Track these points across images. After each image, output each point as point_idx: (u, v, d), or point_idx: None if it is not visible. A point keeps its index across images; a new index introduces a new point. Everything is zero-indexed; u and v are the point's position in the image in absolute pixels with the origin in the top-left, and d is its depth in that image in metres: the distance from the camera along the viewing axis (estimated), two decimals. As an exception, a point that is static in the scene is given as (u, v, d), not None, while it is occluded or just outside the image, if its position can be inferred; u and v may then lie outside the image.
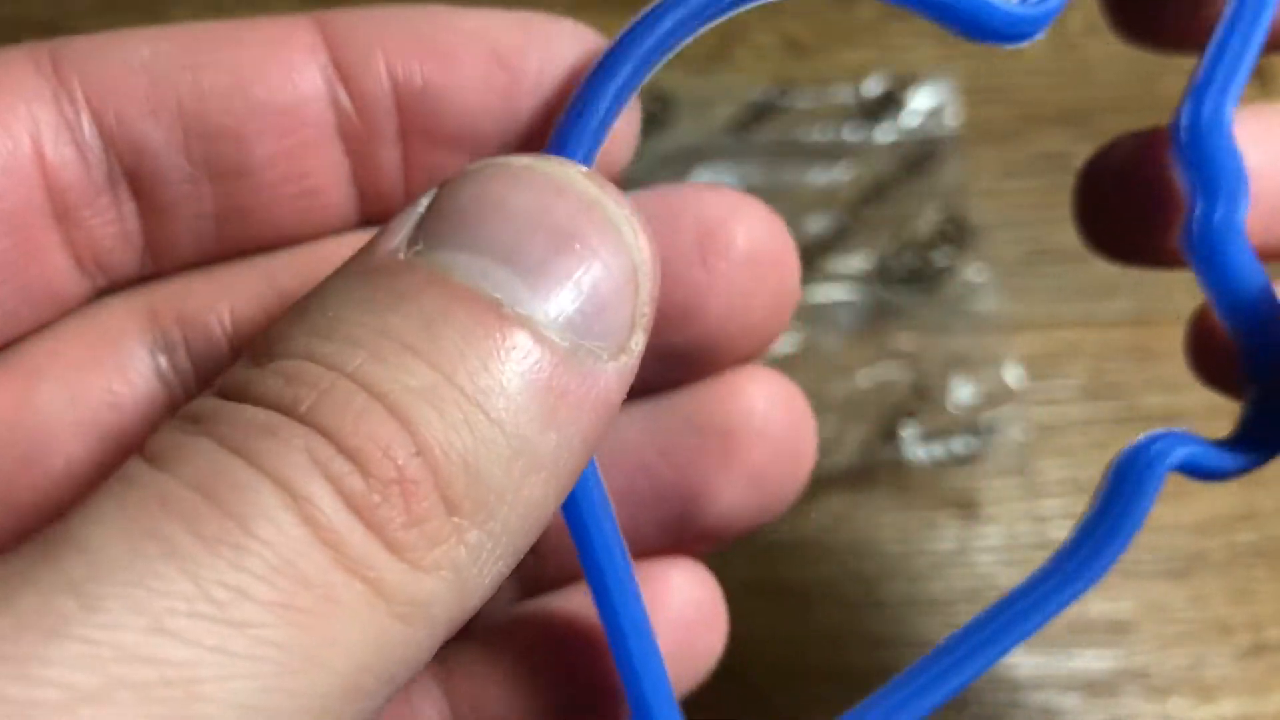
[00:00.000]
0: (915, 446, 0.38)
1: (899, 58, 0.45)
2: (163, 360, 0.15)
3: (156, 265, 0.15)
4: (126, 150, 0.14)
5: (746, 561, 0.37)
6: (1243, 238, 0.15)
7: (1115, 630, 0.36)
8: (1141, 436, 0.15)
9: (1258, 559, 0.37)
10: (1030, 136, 0.43)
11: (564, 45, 0.16)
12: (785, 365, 0.40)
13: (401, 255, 0.12)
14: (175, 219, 0.14)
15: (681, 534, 0.15)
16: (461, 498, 0.11)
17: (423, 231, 0.12)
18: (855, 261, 0.41)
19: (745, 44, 0.45)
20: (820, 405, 0.39)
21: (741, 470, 0.15)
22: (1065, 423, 0.39)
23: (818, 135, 0.43)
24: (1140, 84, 0.44)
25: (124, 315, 0.15)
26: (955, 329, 0.40)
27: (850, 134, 0.43)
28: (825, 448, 0.38)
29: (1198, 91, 0.15)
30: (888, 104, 0.43)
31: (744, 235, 0.15)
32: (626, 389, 0.12)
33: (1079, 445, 0.39)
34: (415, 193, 0.14)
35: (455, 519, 0.11)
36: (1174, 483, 0.38)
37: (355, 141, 0.14)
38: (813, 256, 0.41)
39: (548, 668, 0.16)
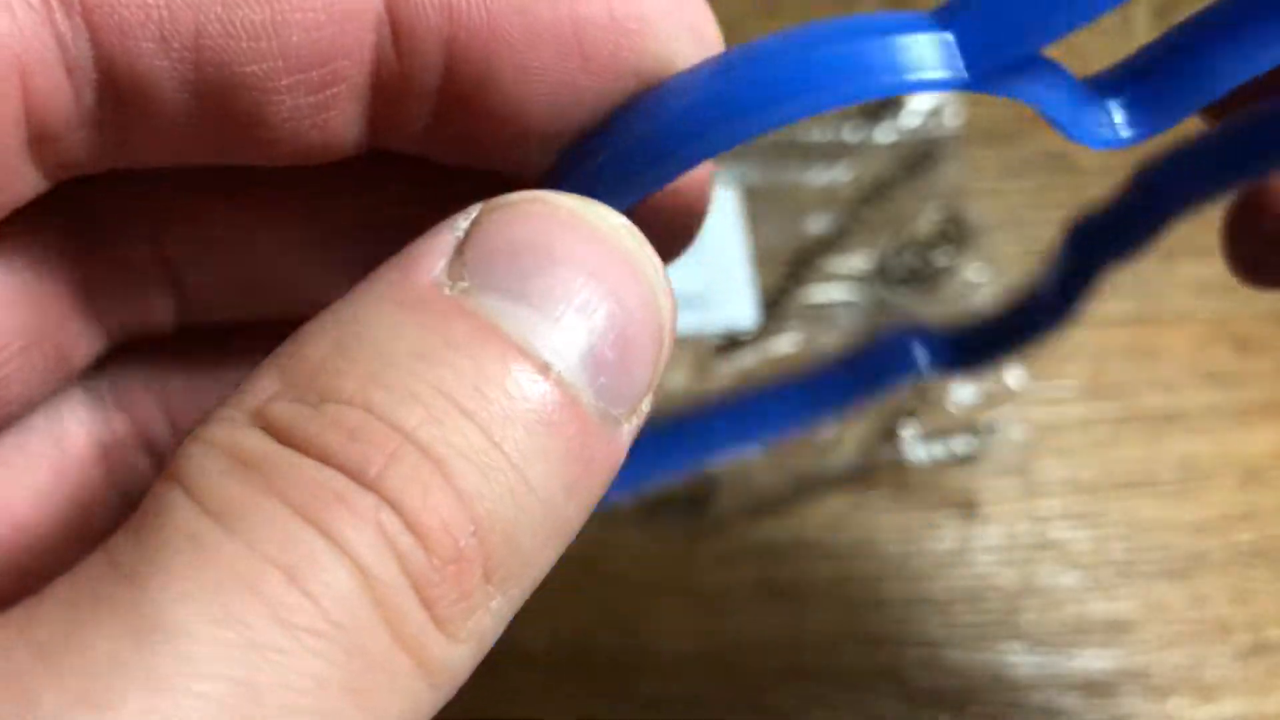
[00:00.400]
0: (915, 446, 0.38)
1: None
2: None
3: (126, 167, 0.14)
4: (125, 82, 0.12)
5: (747, 561, 0.37)
6: None
7: (1115, 630, 0.36)
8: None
9: (1257, 559, 0.37)
10: (1029, 136, 0.43)
11: (671, 45, 0.14)
12: (785, 367, 0.40)
13: (447, 291, 0.11)
14: (161, 140, 0.13)
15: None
16: (498, 569, 0.11)
17: (467, 266, 0.11)
18: (855, 261, 0.41)
19: (745, 43, 0.45)
20: (820, 405, 0.40)
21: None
22: (1064, 422, 0.39)
23: (818, 135, 0.43)
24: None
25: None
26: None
27: (850, 134, 0.43)
28: (825, 448, 0.38)
29: None
30: (887, 104, 0.44)
31: None
32: (628, 447, 0.12)
33: (1078, 445, 0.39)
34: (439, 148, 0.14)
35: (488, 588, 0.11)
36: (1176, 483, 0.38)
37: (387, 93, 0.13)
38: (813, 256, 0.41)
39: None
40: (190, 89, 0.12)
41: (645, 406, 0.12)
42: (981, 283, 0.41)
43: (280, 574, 0.10)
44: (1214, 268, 0.41)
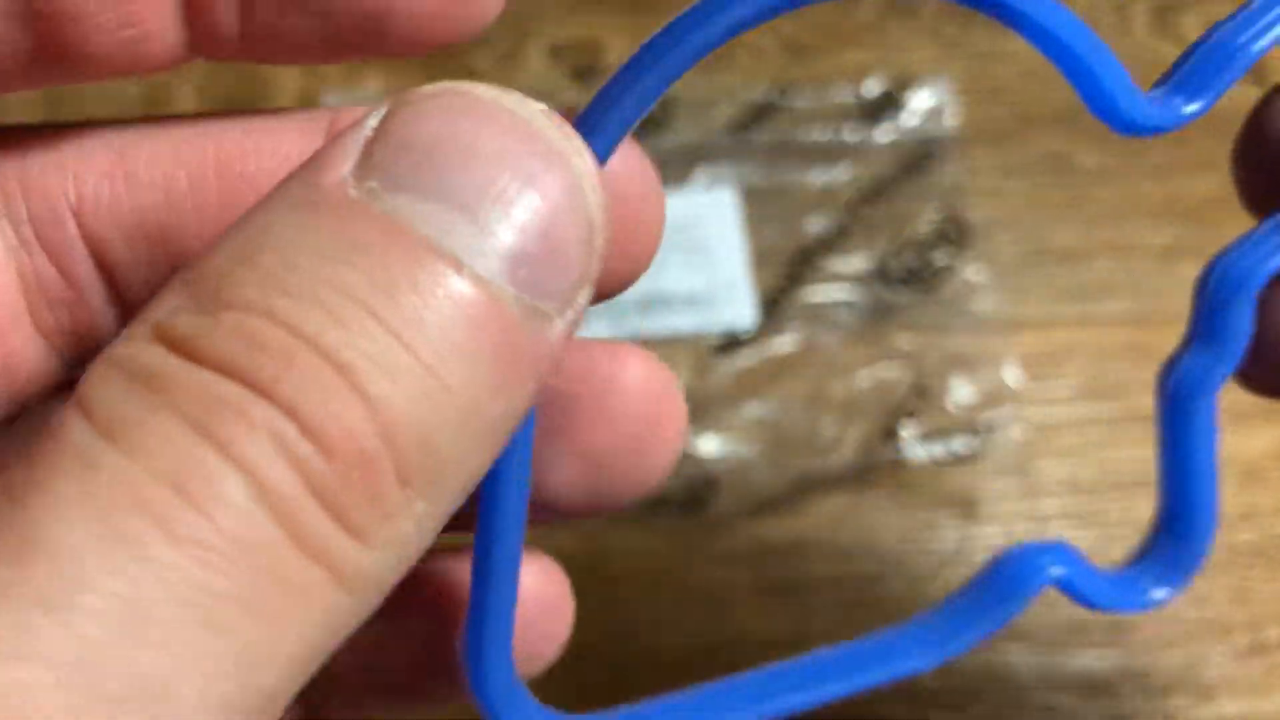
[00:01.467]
0: (914, 446, 0.39)
1: (898, 59, 0.45)
2: (7, 229, 0.14)
3: None
4: None
5: (747, 560, 0.37)
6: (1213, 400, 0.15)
7: (1115, 630, 0.36)
8: (1030, 545, 0.16)
9: (1257, 559, 0.37)
10: (1028, 136, 0.43)
11: None
12: (785, 365, 0.40)
13: (352, 191, 0.11)
14: None
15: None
16: (415, 472, 0.10)
17: (375, 164, 0.11)
18: (855, 261, 0.41)
19: (745, 45, 0.45)
20: (820, 405, 0.40)
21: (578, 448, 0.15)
22: (1063, 422, 0.39)
23: (817, 136, 0.43)
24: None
25: None
26: (954, 329, 0.40)
27: (850, 134, 0.43)
28: (825, 447, 0.39)
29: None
30: (887, 105, 0.44)
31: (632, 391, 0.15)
32: (570, 344, 0.12)
33: (1077, 445, 0.39)
34: (252, 39, 0.14)
35: (406, 493, 0.11)
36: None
37: None
38: (812, 256, 0.41)
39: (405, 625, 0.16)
40: None
41: (581, 299, 0.12)
42: (980, 283, 0.41)
43: (170, 489, 0.10)
44: (1213, 267, 0.41)
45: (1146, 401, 0.39)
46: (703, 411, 0.39)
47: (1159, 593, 0.16)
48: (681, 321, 0.40)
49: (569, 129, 0.12)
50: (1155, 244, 0.42)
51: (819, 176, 0.43)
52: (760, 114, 0.43)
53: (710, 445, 0.39)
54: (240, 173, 0.14)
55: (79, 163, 0.14)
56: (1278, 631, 0.36)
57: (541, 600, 0.15)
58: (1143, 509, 0.39)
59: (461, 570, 0.15)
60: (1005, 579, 0.15)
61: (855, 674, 0.15)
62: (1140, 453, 0.38)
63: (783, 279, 0.41)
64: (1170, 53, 0.48)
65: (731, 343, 0.40)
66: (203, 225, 0.14)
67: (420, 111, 0.11)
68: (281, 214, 0.11)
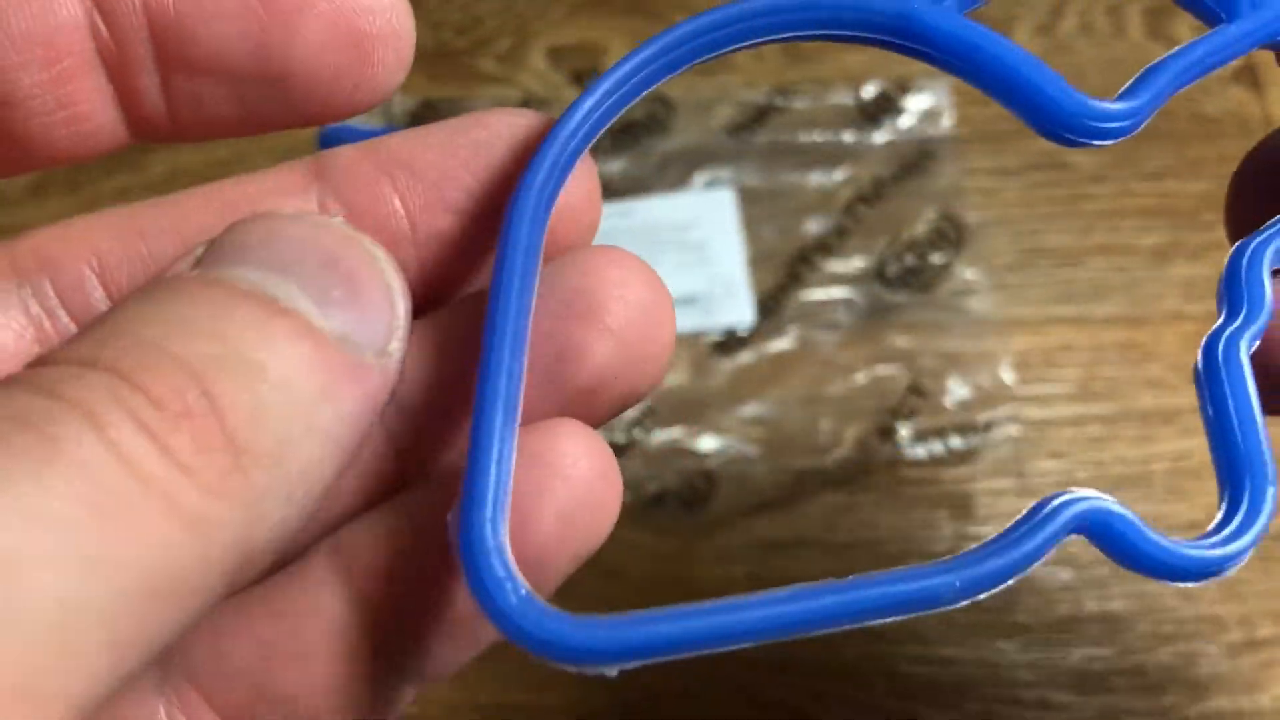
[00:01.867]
0: (911, 445, 0.39)
1: (895, 62, 0.45)
2: (31, 301, 0.16)
3: None
4: None
5: (744, 558, 0.37)
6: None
7: (1109, 627, 0.36)
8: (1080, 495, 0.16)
9: (1249, 557, 0.37)
10: (1024, 138, 0.43)
11: None
12: (783, 363, 0.40)
13: (187, 275, 0.13)
14: None
15: (562, 397, 0.16)
16: (247, 440, 0.12)
17: (208, 259, 0.14)
18: (853, 262, 0.41)
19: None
20: (818, 404, 0.40)
21: (606, 327, 0.16)
22: (1058, 422, 0.39)
23: (816, 137, 0.43)
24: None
25: None
26: (951, 329, 0.40)
27: (848, 136, 0.43)
28: (823, 446, 0.39)
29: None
30: (885, 107, 0.44)
31: (621, 305, 0.16)
32: (390, 387, 0.14)
33: (1072, 444, 0.39)
34: (179, 118, 0.16)
35: (243, 459, 0.12)
36: (1168, 482, 0.38)
37: (116, 68, 0.15)
38: (811, 257, 0.42)
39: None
40: None
41: (394, 349, 0.14)
42: (977, 283, 0.41)
43: (14, 424, 0.11)
44: (1206, 268, 0.41)
45: (1141, 401, 0.40)
46: (701, 410, 0.39)
47: (1218, 554, 0.16)
48: (681, 321, 0.40)
49: (359, 230, 0.14)
50: (1148, 245, 0.42)
51: (817, 178, 0.43)
52: (759, 116, 0.44)
53: (709, 444, 0.39)
54: (243, 212, 0.16)
55: (96, 234, 0.16)
56: (1270, 628, 0.36)
57: (589, 473, 0.16)
58: (1139, 508, 0.39)
59: None
60: (1042, 514, 0.15)
61: (875, 590, 0.15)
62: (1135, 452, 0.39)
63: (781, 279, 0.41)
64: (1164, 55, 0.48)
65: (730, 342, 0.40)
66: None
67: (244, 224, 0.14)
68: (129, 300, 0.13)
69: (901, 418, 0.39)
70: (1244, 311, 0.17)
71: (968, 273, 0.41)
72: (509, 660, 0.36)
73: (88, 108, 0.15)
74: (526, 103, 0.45)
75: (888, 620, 0.15)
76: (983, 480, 0.38)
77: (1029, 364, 0.40)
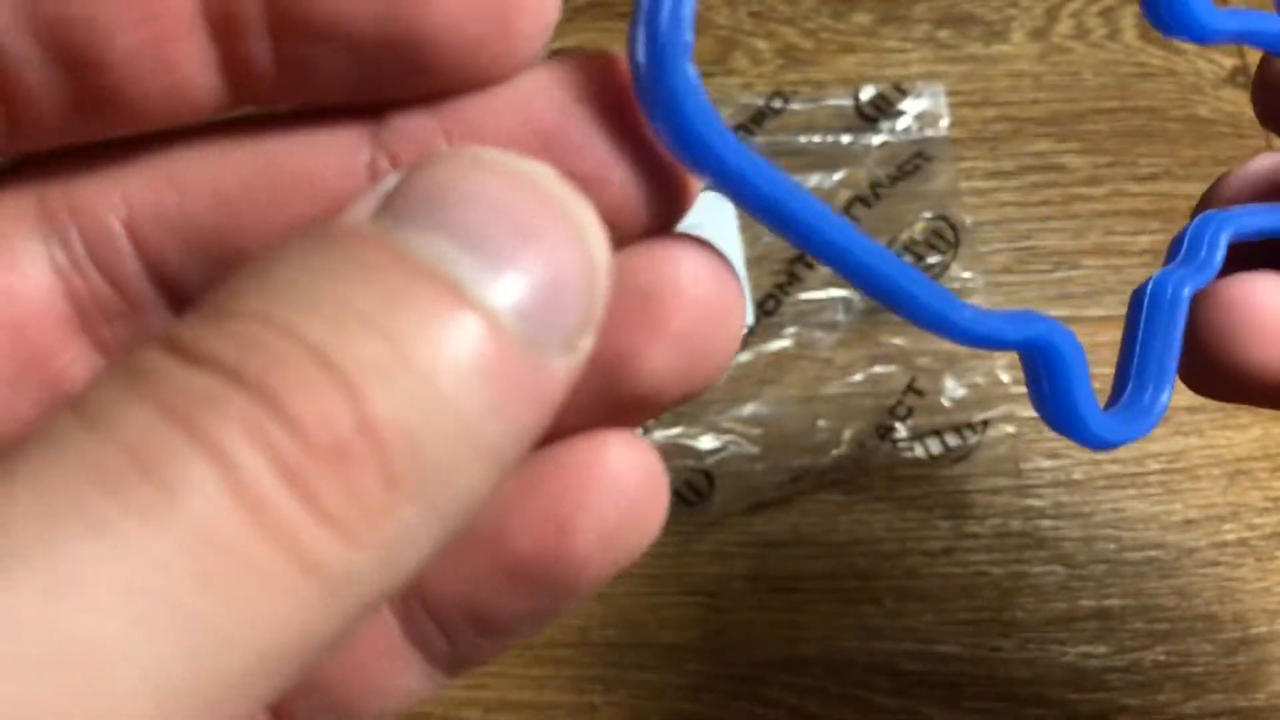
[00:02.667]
0: (909, 444, 0.39)
1: (892, 64, 0.45)
2: (58, 252, 0.14)
3: (17, 152, 0.14)
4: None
5: (744, 556, 0.37)
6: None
7: (1105, 625, 0.37)
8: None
9: (1244, 555, 0.37)
10: (1019, 140, 0.44)
11: None
12: (782, 363, 0.40)
13: (366, 229, 0.11)
14: (32, 108, 0.13)
15: (614, 402, 0.15)
16: (402, 473, 0.10)
17: (389, 208, 0.11)
18: (849, 263, 0.42)
19: (743, 50, 0.46)
20: (816, 403, 0.40)
21: (668, 333, 0.14)
22: (1055, 421, 0.39)
23: (814, 140, 0.43)
24: (1123, 87, 0.44)
25: (10, 206, 0.14)
26: (947, 329, 0.40)
27: (846, 139, 0.43)
28: (821, 445, 0.39)
29: None
30: (882, 109, 0.44)
31: (689, 307, 0.15)
32: (571, 387, 0.12)
33: (1067, 443, 0.39)
34: (290, 84, 0.14)
35: (392, 495, 0.10)
36: (1163, 481, 0.38)
37: (221, 31, 0.13)
38: (810, 258, 0.42)
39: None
40: (36, 42, 0.12)
41: (584, 345, 0.12)
42: (973, 282, 0.41)
43: (130, 464, 0.10)
44: (1201, 269, 0.41)
45: (1135, 401, 0.40)
46: (700, 410, 0.39)
47: (1118, 435, 0.18)
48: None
49: (574, 186, 0.12)
50: (1143, 246, 0.42)
51: (815, 180, 0.43)
52: (758, 118, 0.44)
53: (708, 443, 0.39)
54: (287, 169, 0.14)
55: (126, 178, 0.14)
56: (1265, 626, 0.36)
57: (635, 488, 0.15)
58: (1132, 506, 0.40)
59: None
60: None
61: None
62: (1129, 451, 0.39)
63: (779, 279, 0.41)
64: (1159, 59, 0.49)
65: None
66: (257, 226, 0.14)
67: (433, 166, 0.12)
68: (297, 245, 0.11)
69: (899, 417, 0.39)
70: (1196, 265, 0.18)
71: (964, 273, 0.41)
72: (510, 657, 0.36)
73: (188, 73, 0.13)
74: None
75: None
76: (980, 479, 0.38)
77: (1025, 364, 0.40)
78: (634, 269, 0.14)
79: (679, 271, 0.14)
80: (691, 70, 0.13)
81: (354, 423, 0.10)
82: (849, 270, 0.15)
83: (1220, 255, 0.18)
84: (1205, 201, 0.21)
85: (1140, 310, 0.19)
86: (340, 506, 0.10)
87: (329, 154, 0.14)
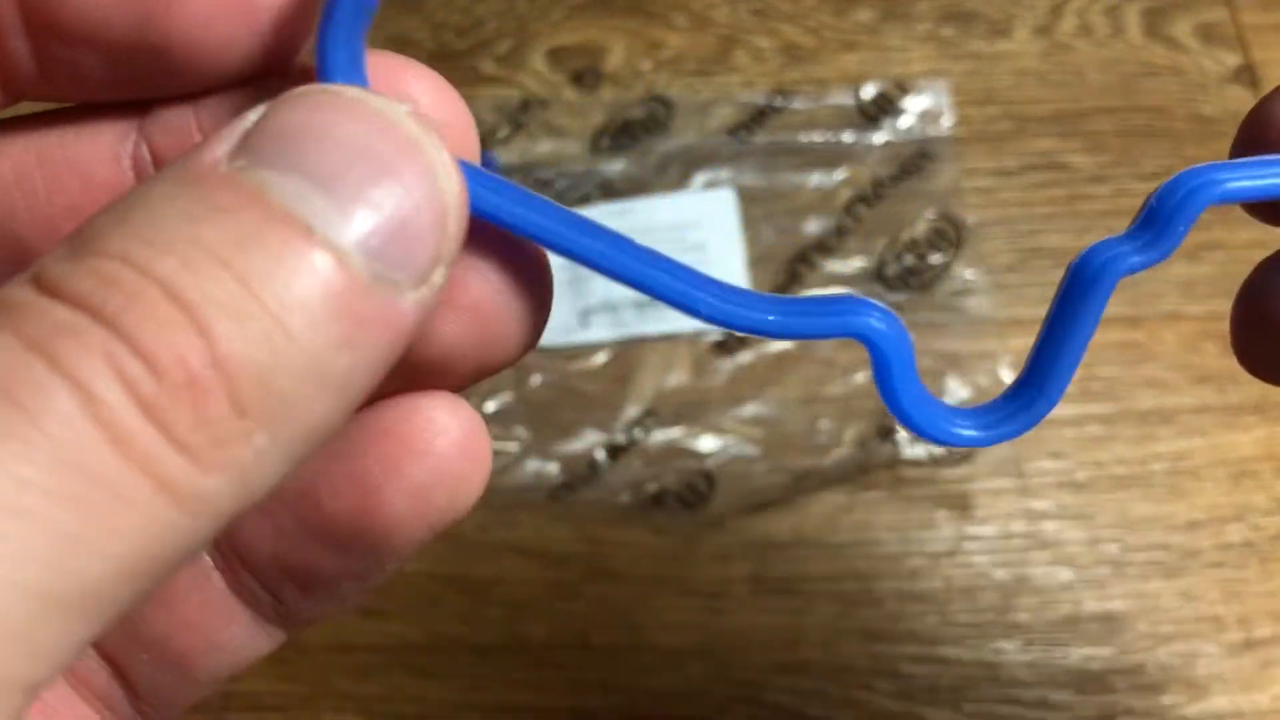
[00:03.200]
0: (910, 445, 0.39)
1: (894, 62, 0.45)
2: None
3: None
4: None
5: (744, 558, 0.37)
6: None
7: (1108, 627, 0.36)
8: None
9: (1249, 556, 0.37)
10: (1022, 138, 0.44)
11: None
12: (783, 363, 0.40)
13: (223, 168, 0.12)
14: None
15: (415, 372, 0.15)
16: (251, 405, 0.11)
17: (247, 146, 0.12)
18: (852, 262, 0.42)
19: (745, 48, 0.46)
20: (817, 404, 0.40)
21: (408, 484, 0.15)
22: (1058, 421, 0.39)
23: (815, 138, 0.43)
24: (1127, 86, 0.44)
25: None
26: (950, 329, 0.41)
27: (847, 137, 0.43)
28: (822, 446, 0.39)
29: None
30: (884, 108, 0.44)
31: (428, 462, 0.15)
32: (425, 321, 0.13)
33: (1071, 444, 0.39)
34: (54, 81, 0.15)
35: (243, 423, 0.11)
36: (1167, 482, 0.38)
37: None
38: (811, 257, 0.42)
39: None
40: None
41: (436, 278, 0.12)
42: (976, 282, 0.41)
43: None
44: (1204, 268, 0.41)
45: (1140, 400, 0.40)
46: (701, 410, 0.39)
47: (968, 432, 0.16)
48: (680, 321, 0.40)
49: (429, 125, 0.13)
50: (1148, 245, 0.42)
51: (817, 178, 0.43)
52: (759, 116, 0.44)
53: (708, 444, 0.39)
54: (59, 159, 0.15)
55: None
56: (1269, 628, 0.36)
57: (450, 449, 0.15)
58: (1136, 508, 0.40)
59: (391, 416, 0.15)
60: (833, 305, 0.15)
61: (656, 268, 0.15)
62: (1134, 451, 0.39)
63: (781, 279, 0.41)
64: (1163, 57, 0.49)
65: (730, 342, 0.40)
66: (32, 213, 0.15)
67: (291, 105, 0.12)
68: (157, 185, 0.12)
69: (901, 418, 0.39)
70: (1150, 236, 0.16)
71: (967, 273, 0.41)
72: (510, 660, 0.36)
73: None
74: (526, 103, 0.45)
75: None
76: (982, 480, 0.38)
77: (1028, 364, 0.40)
78: (385, 415, 0.15)
79: (425, 420, 0.15)
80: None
81: (205, 358, 0.11)
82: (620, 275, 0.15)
83: (1185, 228, 0.16)
84: (1257, 118, 0.18)
85: (1069, 290, 0.17)
86: (192, 434, 0.11)
87: (97, 144, 0.15)
